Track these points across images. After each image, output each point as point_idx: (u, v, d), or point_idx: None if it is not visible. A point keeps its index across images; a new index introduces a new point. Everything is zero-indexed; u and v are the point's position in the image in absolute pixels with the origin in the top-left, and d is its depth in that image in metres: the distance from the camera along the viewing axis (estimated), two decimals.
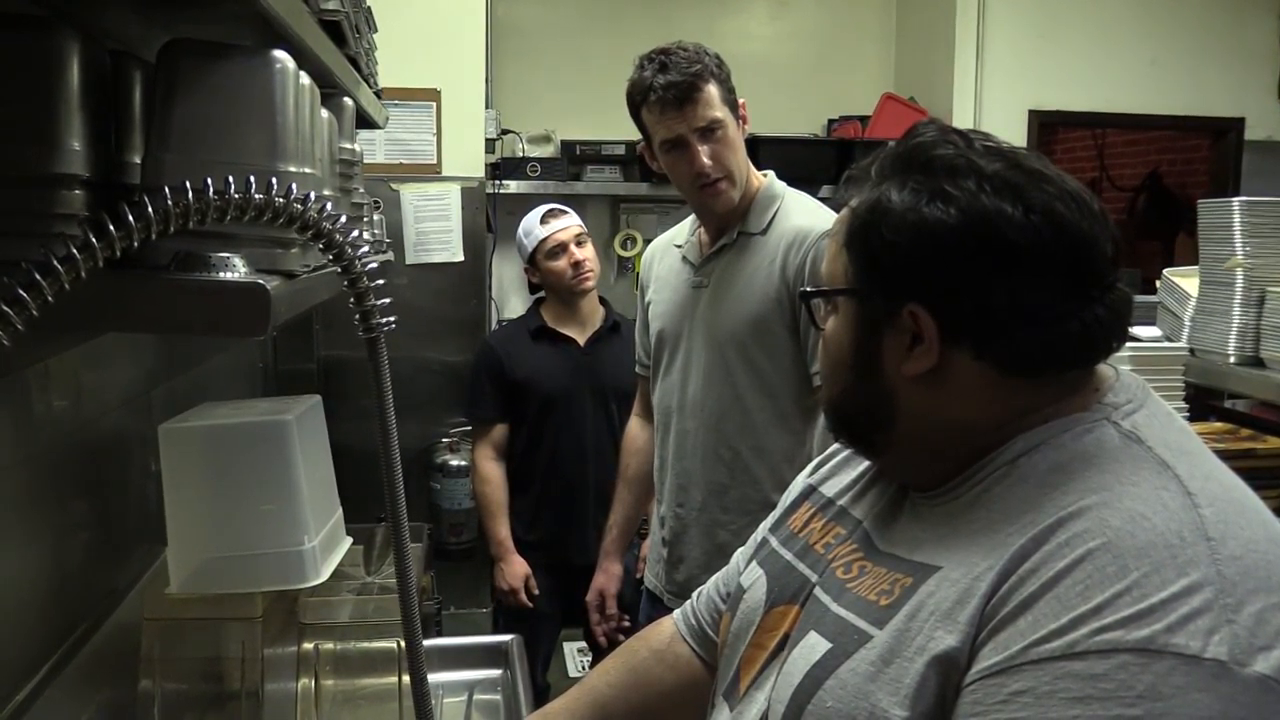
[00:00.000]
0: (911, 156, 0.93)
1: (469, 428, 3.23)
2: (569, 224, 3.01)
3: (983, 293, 0.88)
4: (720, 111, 2.02)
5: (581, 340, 3.04)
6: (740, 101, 2.09)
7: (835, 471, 1.15)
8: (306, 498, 1.28)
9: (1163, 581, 0.76)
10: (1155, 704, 0.72)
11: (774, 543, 1.14)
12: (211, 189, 0.68)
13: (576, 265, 2.96)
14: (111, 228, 0.64)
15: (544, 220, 3.01)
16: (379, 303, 0.85)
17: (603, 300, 3.15)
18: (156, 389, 1.66)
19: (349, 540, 1.48)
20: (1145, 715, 0.72)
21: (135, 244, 0.65)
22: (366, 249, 0.82)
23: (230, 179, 0.70)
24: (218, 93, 0.84)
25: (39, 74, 0.78)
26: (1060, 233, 0.87)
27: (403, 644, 1.48)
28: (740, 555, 1.24)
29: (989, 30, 4.24)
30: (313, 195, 0.76)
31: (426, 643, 1.97)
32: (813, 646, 0.92)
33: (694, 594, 1.32)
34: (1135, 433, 0.88)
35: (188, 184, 0.67)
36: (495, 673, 1.99)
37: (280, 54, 0.89)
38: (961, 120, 4.18)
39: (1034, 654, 0.77)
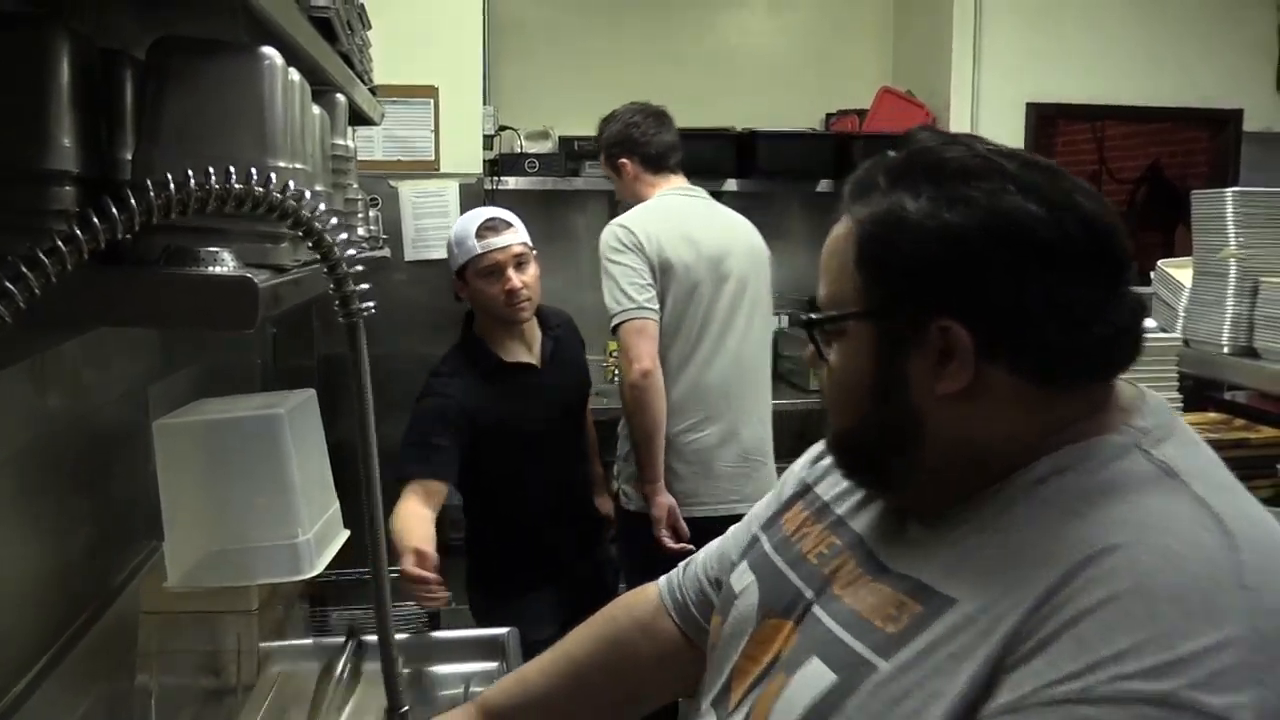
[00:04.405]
0: (918, 162, 0.88)
1: None
2: (509, 241, 2.53)
3: (1016, 297, 0.83)
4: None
5: (538, 363, 2.67)
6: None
7: (832, 470, 1.07)
8: (300, 491, 1.29)
9: (1192, 631, 0.71)
10: None
11: (766, 544, 1.09)
12: (193, 180, 0.70)
13: (510, 294, 2.50)
14: (96, 220, 0.65)
15: (480, 234, 2.54)
16: (358, 288, 0.85)
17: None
18: (155, 386, 1.67)
19: (346, 532, 1.49)
20: None
21: (121, 236, 0.66)
22: (346, 235, 0.83)
23: (210, 170, 0.71)
24: (207, 89, 0.85)
25: (29, 71, 0.79)
26: (1087, 227, 0.83)
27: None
28: (732, 543, 1.19)
29: (987, 23, 4.24)
30: (291, 184, 0.77)
31: (426, 637, 2.00)
32: (819, 676, 0.87)
33: (680, 565, 1.27)
34: (1168, 464, 0.82)
35: (169, 176, 0.68)
36: (491, 665, 2.00)
37: (269, 50, 0.89)
38: (960, 113, 4.18)
39: (1046, 695, 0.72)
